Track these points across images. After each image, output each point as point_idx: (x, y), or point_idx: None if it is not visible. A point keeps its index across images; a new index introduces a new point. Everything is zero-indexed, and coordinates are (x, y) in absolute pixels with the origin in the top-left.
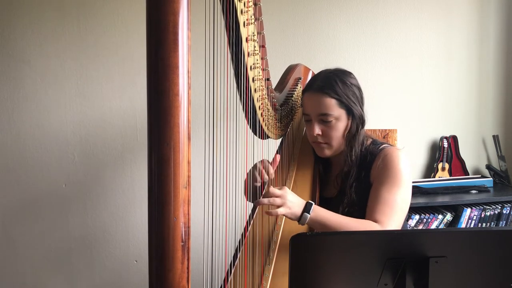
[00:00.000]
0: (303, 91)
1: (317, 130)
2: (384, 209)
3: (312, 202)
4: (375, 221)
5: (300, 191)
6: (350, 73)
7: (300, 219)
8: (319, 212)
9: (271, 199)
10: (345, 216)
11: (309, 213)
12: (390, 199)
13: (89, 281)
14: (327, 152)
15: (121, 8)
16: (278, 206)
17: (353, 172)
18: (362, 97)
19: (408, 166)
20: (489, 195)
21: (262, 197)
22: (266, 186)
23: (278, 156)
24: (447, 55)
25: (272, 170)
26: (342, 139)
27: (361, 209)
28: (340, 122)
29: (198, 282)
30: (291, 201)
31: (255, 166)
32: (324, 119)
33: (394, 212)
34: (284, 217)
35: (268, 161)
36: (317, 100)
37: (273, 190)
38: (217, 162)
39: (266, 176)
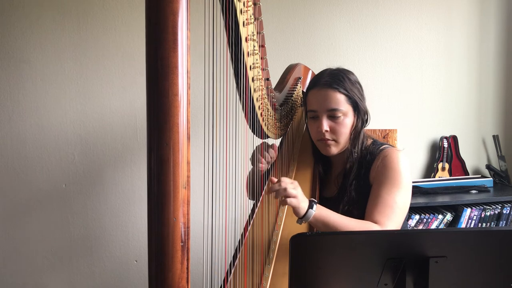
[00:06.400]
0: (308, 88)
1: (326, 126)
2: (383, 210)
3: (315, 200)
4: (375, 221)
5: None
6: (351, 72)
7: (304, 215)
8: (321, 210)
9: (286, 187)
10: (345, 215)
11: (313, 209)
12: (389, 200)
13: (89, 281)
14: (334, 150)
15: (121, 8)
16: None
17: (354, 170)
18: (364, 95)
19: (408, 167)
20: (489, 195)
21: (274, 184)
22: (270, 175)
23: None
24: (447, 55)
25: (273, 152)
26: (348, 136)
27: (360, 207)
28: (348, 118)
29: (198, 282)
30: (301, 194)
31: (256, 149)
32: (333, 115)
33: (393, 213)
34: (284, 217)
35: (267, 144)
36: (326, 95)
37: (286, 179)
38: (217, 162)
39: (269, 157)
